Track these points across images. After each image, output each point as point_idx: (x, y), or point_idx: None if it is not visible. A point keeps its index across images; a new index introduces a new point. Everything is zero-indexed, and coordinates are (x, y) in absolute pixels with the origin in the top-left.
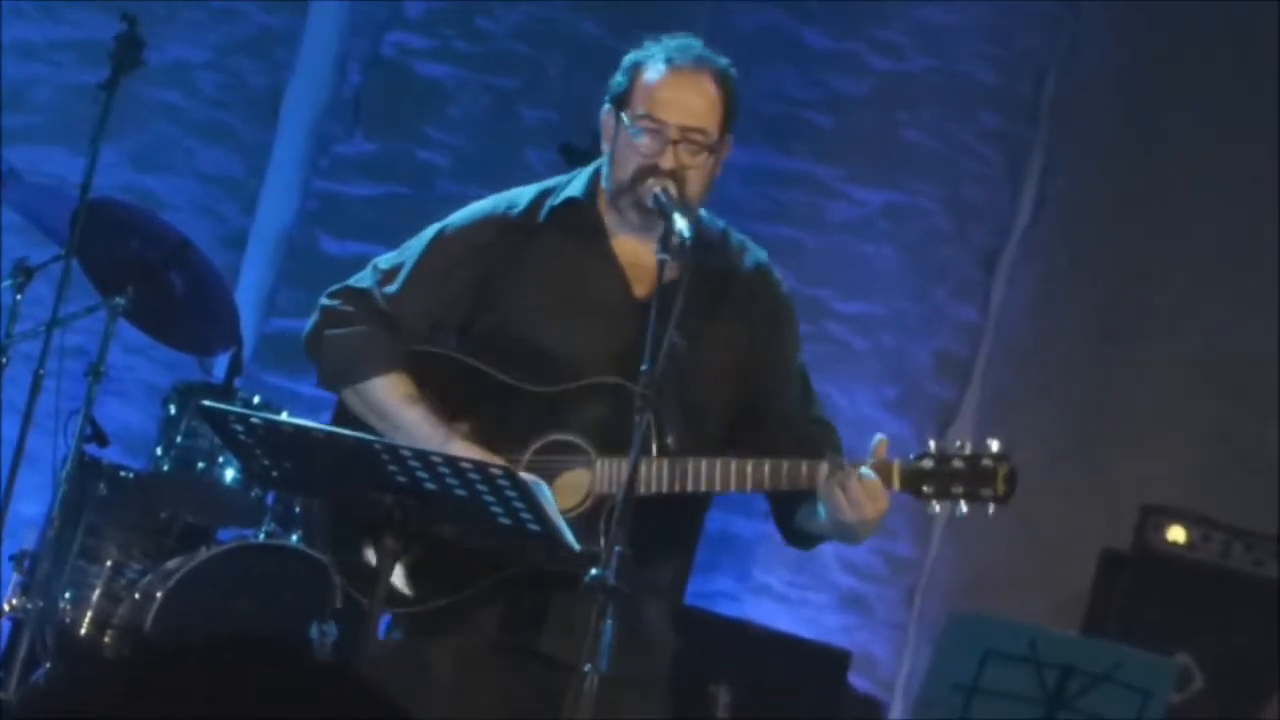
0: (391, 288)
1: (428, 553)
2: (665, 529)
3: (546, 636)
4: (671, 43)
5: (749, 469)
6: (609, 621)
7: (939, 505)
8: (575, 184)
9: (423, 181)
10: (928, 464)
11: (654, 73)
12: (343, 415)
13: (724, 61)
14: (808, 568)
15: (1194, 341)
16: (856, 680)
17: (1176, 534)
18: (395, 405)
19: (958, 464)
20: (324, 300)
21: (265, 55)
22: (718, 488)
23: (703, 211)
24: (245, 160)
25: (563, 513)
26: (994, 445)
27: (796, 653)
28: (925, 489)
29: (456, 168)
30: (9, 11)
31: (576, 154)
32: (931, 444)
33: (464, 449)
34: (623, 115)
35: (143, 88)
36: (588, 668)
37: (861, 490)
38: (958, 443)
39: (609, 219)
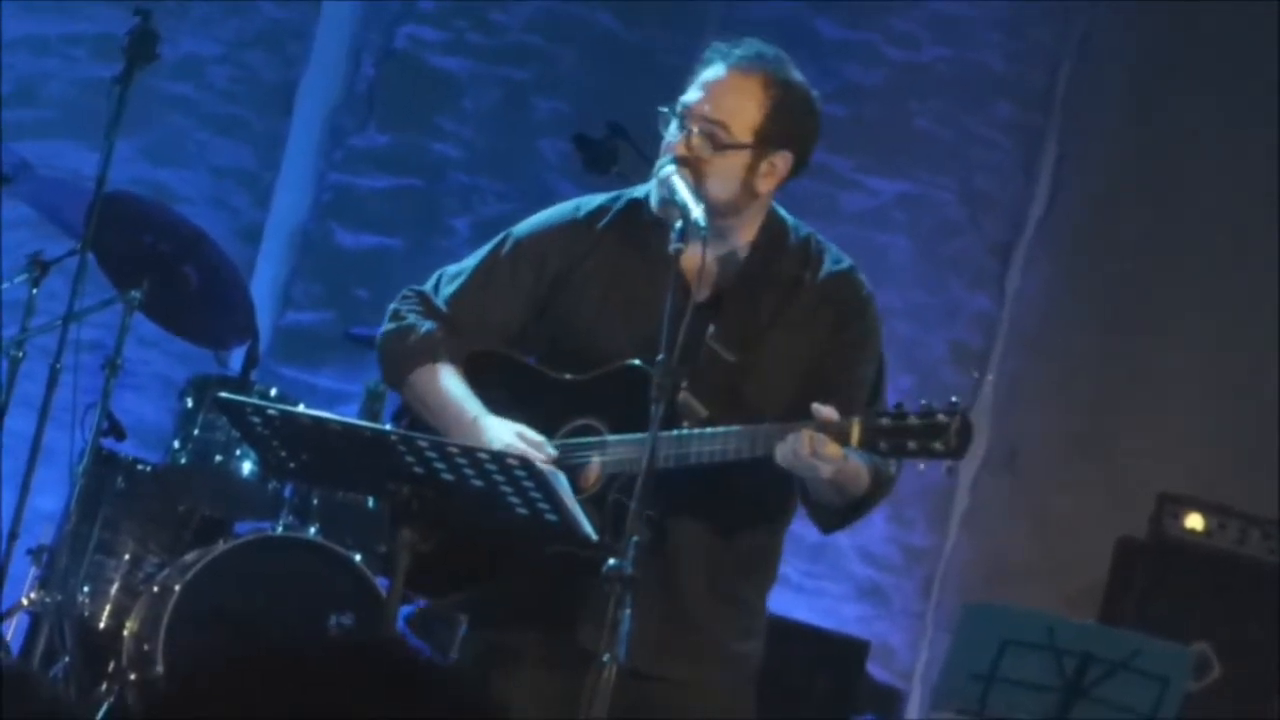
0: (450, 289)
1: (456, 542)
2: (741, 544)
3: (584, 630)
4: (749, 47)
5: (732, 435)
6: (627, 611)
7: (894, 462)
8: (643, 188)
9: (436, 173)
10: (885, 421)
11: (707, 68)
12: (405, 416)
13: (795, 75)
14: (825, 558)
15: (1208, 329)
16: (875, 670)
17: (1195, 522)
18: (435, 392)
19: (913, 420)
20: (391, 304)
21: (278, 48)
22: (705, 458)
23: (789, 218)
24: (259, 153)
25: (579, 494)
26: (952, 400)
27: (815, 642)
28: (882, 445)
29: (470, 160)
30: (22, 6)
31: (590, 145)
32: (900, 404)
33: (497, 429)
34: None
35: (156, 81)
36: (606, 658)
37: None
38: (922, 401)
39: (667, 218)
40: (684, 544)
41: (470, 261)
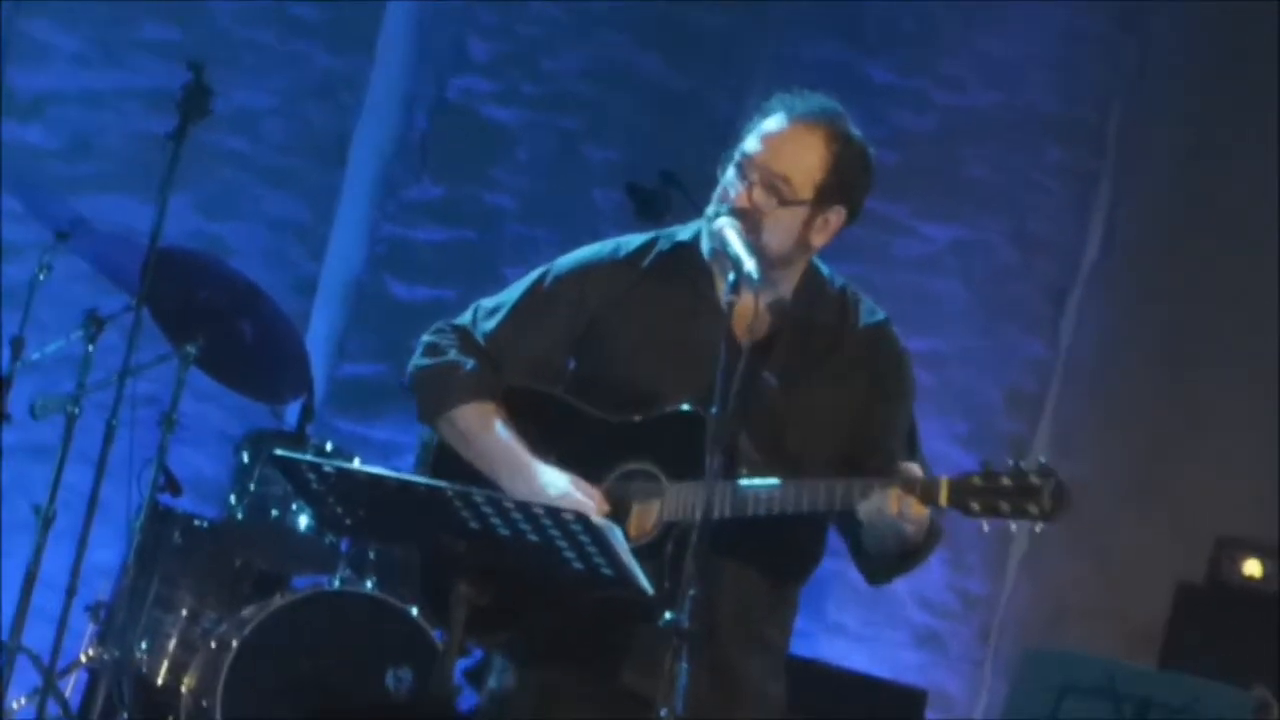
0: (489, 325)
1: (504, 584)
2: (772, 590)
3: (629, 673)
4: (812, 100)
5: (806, 489)
6: (684, 665)
7: (987, 524)
8: (686, 230)
9: (490, 224)
10: (976, 481)
11: (769, 118)
12: (441, 450)
13: (854, 131)
14: (882, 605)
15: (1264, 371)
16: (933, 719)
17: (1253, 568)
18: (480, 432)
19: (1005, 481)
20: (424, 337)
21: (332, 100)
22: (776, 509)
23: (824, 267)
24: (313, 206)
25: (633, 541)
26: (1042, 460)
27: (872, 692)
28: (973, 505)
29: (524, 210)
30: (75, 60)
31: (642, 194)
32: (987, 463)
33: (551, 475)
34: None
35: (209, 135)
36: (664, 712)
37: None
38: (1010, 461)
39: (716, 264)
40: (720, 587)
41: (509, 296)
